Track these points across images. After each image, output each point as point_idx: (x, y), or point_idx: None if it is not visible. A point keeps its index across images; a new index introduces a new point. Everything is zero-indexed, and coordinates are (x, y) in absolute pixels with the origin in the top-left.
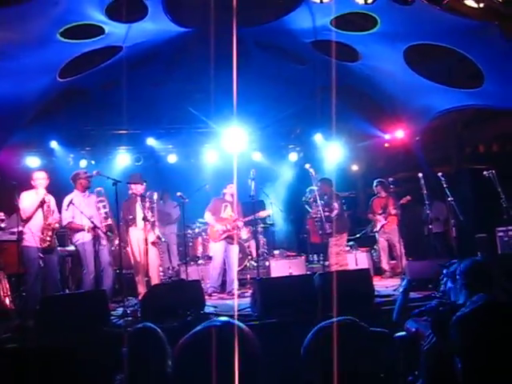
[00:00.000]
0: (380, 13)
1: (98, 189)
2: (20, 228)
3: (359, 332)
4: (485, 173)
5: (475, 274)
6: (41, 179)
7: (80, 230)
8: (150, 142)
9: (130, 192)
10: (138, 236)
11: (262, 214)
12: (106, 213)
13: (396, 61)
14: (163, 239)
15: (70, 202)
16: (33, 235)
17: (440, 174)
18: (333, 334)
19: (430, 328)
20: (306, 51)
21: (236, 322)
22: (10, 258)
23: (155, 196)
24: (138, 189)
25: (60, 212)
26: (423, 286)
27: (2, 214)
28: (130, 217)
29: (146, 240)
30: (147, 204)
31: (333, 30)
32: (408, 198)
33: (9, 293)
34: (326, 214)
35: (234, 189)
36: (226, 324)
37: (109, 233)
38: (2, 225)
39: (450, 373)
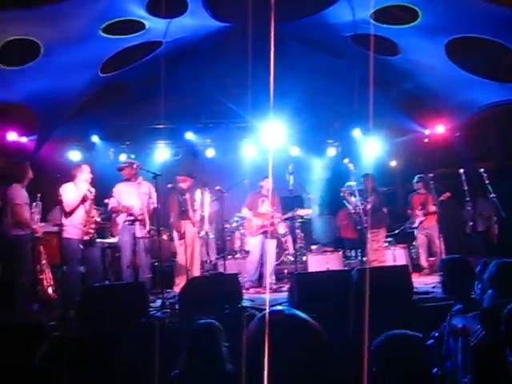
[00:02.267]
0: (421, 5)
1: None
2: (62, 220)
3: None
4: None
5: (502, 273)
6: (87, 174)
7: (121, 212)
8: (189, 136)
9: (179, 185)
10: (188, 229)
11: (302, 212)
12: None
13: (437, 54)
14: (211, 236)
15: (112, 193)
16: (74, 227)
17: (482, 170)
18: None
19: (480, 322)
20: (345, 45)
21: (300, 313)
22: (53, 249)
23: (207, 191)
24: (188, 183)
25: (99, 205)
26: None
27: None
28: (181, 209)
29: (194, 233)
30: (196, 199)
31: (373, 24)
32: (447, 194)
33: (52, 282)
34: (364, 208)
35: (269, 183)
36: (292, 315)
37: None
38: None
39: (500, 366)
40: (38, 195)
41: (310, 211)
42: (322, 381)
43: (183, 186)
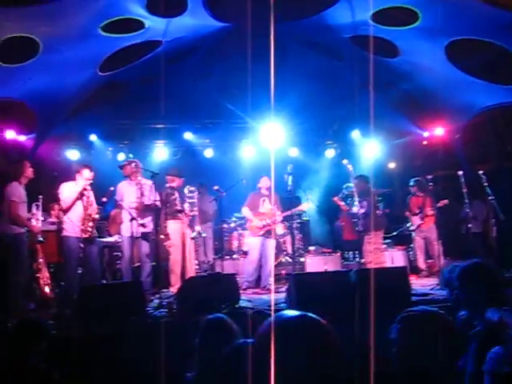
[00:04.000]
0: (421, 7)
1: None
2: (61, 218)
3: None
4: None
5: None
6: (87, 177)
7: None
8: (188, 136)
9: (168, 185)
10: (177, 229)
11: (302, 207)
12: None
13: (437, 56)
14: (204, 234)
15: (110, 192)
16: (73, 225)
17: (481, 172)
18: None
19: None
20: (345, 47)
21: (311, 314)
22: (49, 248)
23: (195, 189)
24: (179, 183)
25: (98, 204)
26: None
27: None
28: (171, 209)
29: (184, 233)
30: (187, 198)
31: (372, 25)
32: (445, 201)
33: (49, 281)
34: (361, 210)
35: (270, 181)
36: (302, 316)
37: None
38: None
39: None
40: (40, 196)
41: (310, 204)
42: (333, 382)
43: (172, 185)
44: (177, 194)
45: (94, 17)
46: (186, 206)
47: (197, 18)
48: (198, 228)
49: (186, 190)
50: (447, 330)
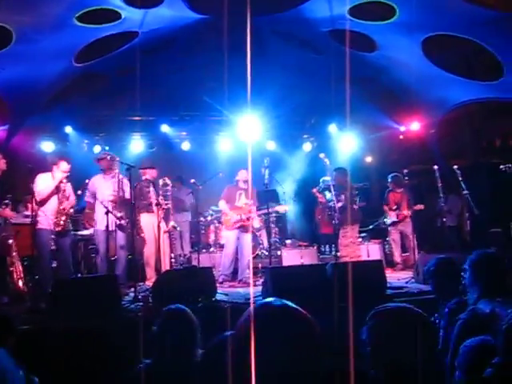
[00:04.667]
0: (398, 2)
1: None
2: (35, 211)
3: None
4: (501, 167)
5: (488, 266)
6: (64, 169)
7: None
8: (164, 128)
9: (144, 178)
10: (151, 222)
11: (279, 208)
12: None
13: (413, 51)
14: (178, 228)
15: (85, 184)
16: (46, 218)
17: (455, 167)
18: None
19: None
20: (323, 40)
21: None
22: (23, 241)
23: (168, 182)
24: (152, 174)
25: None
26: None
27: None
28: (144, 202)
29: (159, 226)
30: (161, 190)
31: (349, 20)
32: (421, 207)
33: (22, 275)
34: (337, 204)
35: (248, 175)
36: (283, 306)
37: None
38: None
39: None
40: (8, 196)
41: (287, 207)
42: (311, 374)
43: (146, 177)
44: (151, 187)
45: (68, 6)
46: (160, 198)
47: (174, 9)
48: (172, 223)
49: (160, 182)
50: (420, 324)
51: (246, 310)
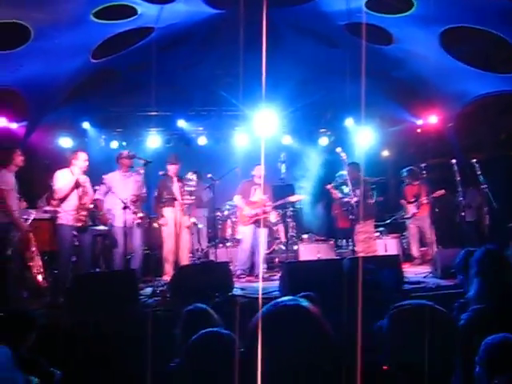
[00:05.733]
0: None
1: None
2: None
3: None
4: None
5: (489, 261)
6: (83, 161)
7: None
8: (181, 124)
9: (161, 172)
10: (172, 216)
11: (293, 198)
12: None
13: (431, 44)
14: (200, 225)
15: (102, 180)
16: (66, 213)
17: (474, 160)
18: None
19: None
20: (339, 34)
21: (304, 303)
22: (42, 236)
23: (194, 177)
24: (174, 169)
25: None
26: (454, 274)
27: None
28: (168, 196)
29: (181, 221)
30: (185, 186)
31: (366, 13)
32: (442, 192)
33: (42, 270)
34: (354, 199)
35: (262, 170)
36: (296, 305)
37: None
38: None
39: None
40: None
41: (302, 197)
42: (322, 373)
43: (171, 172)
44: (175, 182)
45: (85, 3)
46: (185, 194)
47: (190, 4)
48: (193, 219)
49: (185, 177)
50: (442, 324)
51: (259, 311)
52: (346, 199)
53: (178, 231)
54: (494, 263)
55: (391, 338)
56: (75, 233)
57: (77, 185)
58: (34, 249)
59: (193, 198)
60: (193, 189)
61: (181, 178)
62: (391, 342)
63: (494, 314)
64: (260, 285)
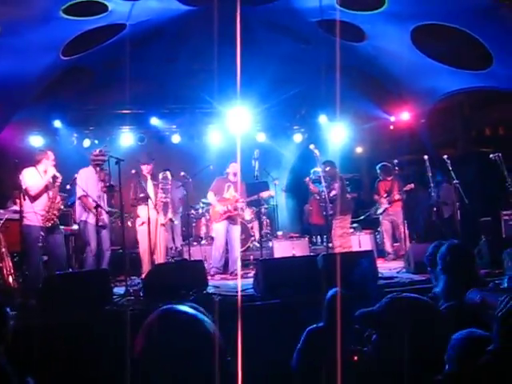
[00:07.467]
0: None
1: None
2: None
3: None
4: (491, 156)
5: (454, 256)
6: (52, 160)
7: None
8: (154, 121)
9: (142, 172)
10: (147, 215)
11: (264, 194)
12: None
13: (403, 41)
14: (176, 221)
15: (74, 179)
16: (35, 214)
17: (445, 156)
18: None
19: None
20: (312, 31)
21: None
22: (12, 237)
23: (169, 176)
24: (147, 169)
25: (62, 192)
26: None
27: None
28: (142, 195)
29: (157, 220)
30: (160, 184)
31: (339, 9)
32: (411, 186)
33: (12, 271)
34: (329, 195)
35: (237, 168)
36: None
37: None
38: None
39: None
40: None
41: (272, 193)
42: None
43: (145, 172)
44: (149, 181)
45: None
46: (160, 193)
47: (162, 1)
48: (170, 215)
49: (160, 176)
50: (435, 318)
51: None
52: (323, 194)
53: (154, 230)
54: (457, 260)
55: (386, 326)
56: (43, 233)
57: (49, 184)
58: (3, 250)
59: (167, 196)
60: (168, 187)
61: (154, 176)
62: (386, 330)
63: (461, 311)
64: (239, 282)
